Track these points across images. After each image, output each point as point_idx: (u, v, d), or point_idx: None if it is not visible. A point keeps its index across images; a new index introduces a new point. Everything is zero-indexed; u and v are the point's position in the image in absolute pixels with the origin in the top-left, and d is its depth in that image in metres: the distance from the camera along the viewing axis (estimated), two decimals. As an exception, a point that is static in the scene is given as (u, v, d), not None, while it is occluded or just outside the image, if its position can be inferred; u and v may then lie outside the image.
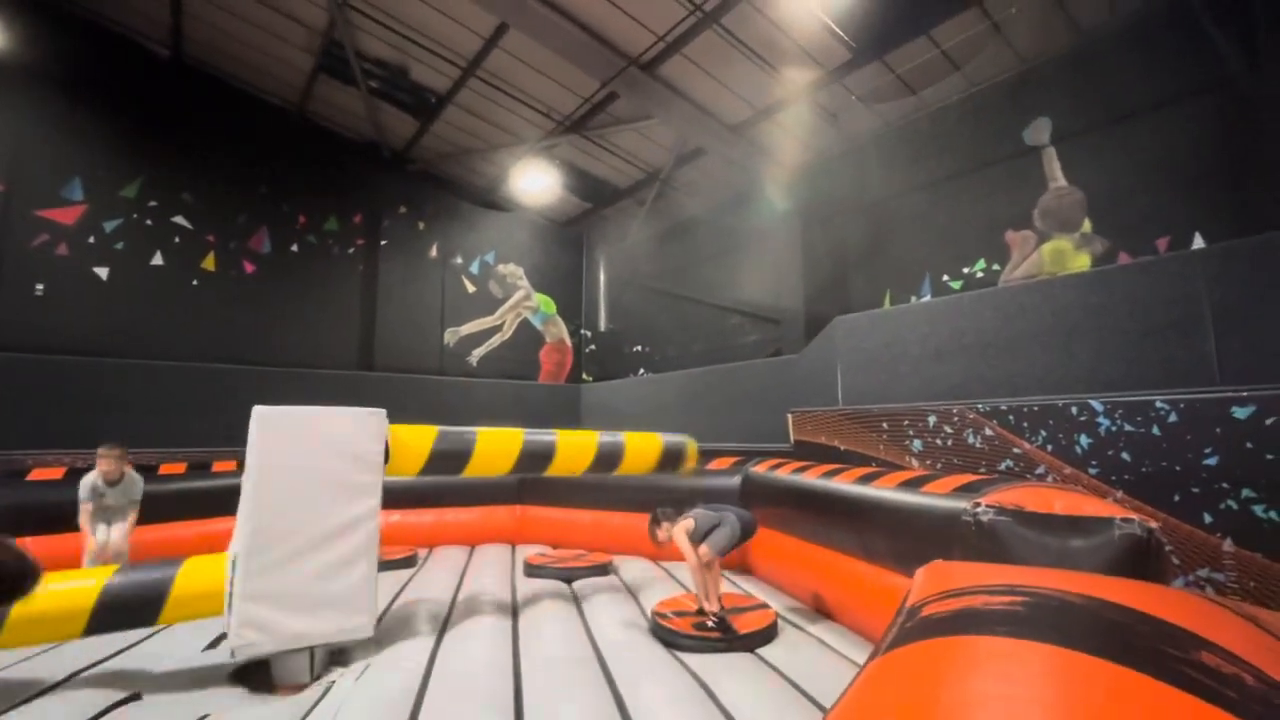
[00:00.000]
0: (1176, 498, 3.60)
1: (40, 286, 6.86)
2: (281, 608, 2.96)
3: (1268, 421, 3.38)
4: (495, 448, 3.96)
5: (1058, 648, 0.81)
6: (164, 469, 5.60)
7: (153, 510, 4.78)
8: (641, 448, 4.68)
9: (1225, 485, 3.46)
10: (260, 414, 3.07)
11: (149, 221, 7.64)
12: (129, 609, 2.89)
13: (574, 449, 4.36)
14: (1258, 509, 3.33)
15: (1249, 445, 3.42)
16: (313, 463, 3.15)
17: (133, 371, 7.01)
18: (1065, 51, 6.03)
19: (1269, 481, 3.31)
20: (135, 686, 2.86)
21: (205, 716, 2.59)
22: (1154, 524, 1.87)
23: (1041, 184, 6.18)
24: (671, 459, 4.92)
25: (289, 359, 8.33)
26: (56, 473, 5.34)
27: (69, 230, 7.10)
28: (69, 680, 2.94)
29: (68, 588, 2.84)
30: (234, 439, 5.80)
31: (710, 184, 9.43)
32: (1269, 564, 3.25)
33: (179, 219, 7.86)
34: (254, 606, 2.91)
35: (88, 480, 4.49)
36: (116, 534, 4.51)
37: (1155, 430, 3.80)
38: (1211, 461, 3.53)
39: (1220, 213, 5.04)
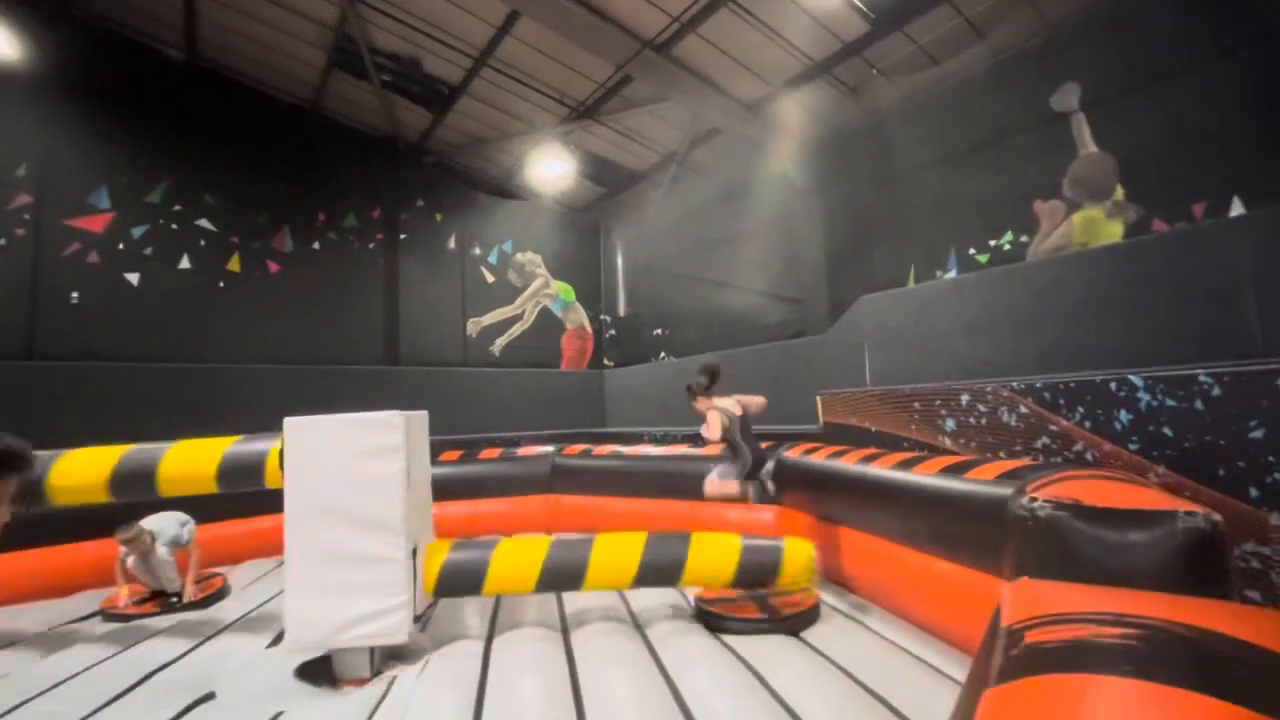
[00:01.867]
0: (1221, 472, 3.56)
1: (75, 295, 7.02)
2: (328, 605, 3.12)
3: (1317, 393, 3.32)
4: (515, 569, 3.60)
5: (1194, 694, 0.82)
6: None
7: (203, 510, 4.92)
8: (711, 557, 3.51)
9: (1272, 458, 3.41)
10: (404, 419, 3.24)
11: (174, 226, 7.75)
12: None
13: (614, 557, 3.51)
14: (1306, 482, 3.29)
15: (1297, 418, 3.36)
16: (415, 459, 3.34)
17: (169, 375, 7.17)
18: (1094, 13, 5.84)
19: (1318, 454, 3.26)
20: (208, 686, 2.98)
21: (280, 714, 2.71)
22: (1217, 516, 1.86)
23: (1071, 151, 6.03)
24: (756, 574, 3.56)
25: (318, 357, 8.46)
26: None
27: (99, 238, 7.23)
28: (143, 682, 3.08)
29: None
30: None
31: (727, 164, 9.32)
32: (1318, 537, 3.23)
33: (203, 222, 7.96)
34: (303, 602, 3.07)
35: (126, 560, 4.39)
36: (182, 588, 4.47)
37: (1198, 404, 3.74)
38: (1258, 435, 3.48)
39: (1259, 177, 4.90)
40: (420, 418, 3.59)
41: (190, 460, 3.66)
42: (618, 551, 3.45)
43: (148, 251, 7.53)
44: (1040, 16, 6.02)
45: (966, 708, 0.98)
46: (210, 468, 3.61)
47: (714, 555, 3.43)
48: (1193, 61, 5.26)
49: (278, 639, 3.62)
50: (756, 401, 4.22)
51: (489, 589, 3.38)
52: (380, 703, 2.78)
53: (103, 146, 7.32)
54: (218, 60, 8.04)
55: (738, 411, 4.05)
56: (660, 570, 3.39)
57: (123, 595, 4.39)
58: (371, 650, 3.14)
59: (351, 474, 3.15)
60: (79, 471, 3.61)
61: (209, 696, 2.89)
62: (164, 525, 4.52)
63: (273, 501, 5.65)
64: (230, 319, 7.98)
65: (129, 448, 3.72)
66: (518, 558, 3.44)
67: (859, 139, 7.80)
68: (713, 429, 3.95)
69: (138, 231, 7.48)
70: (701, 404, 4.10)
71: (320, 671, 3.12)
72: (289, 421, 3.27)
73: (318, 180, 8.83)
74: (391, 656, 3.26)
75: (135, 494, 3.68)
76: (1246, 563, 3.43)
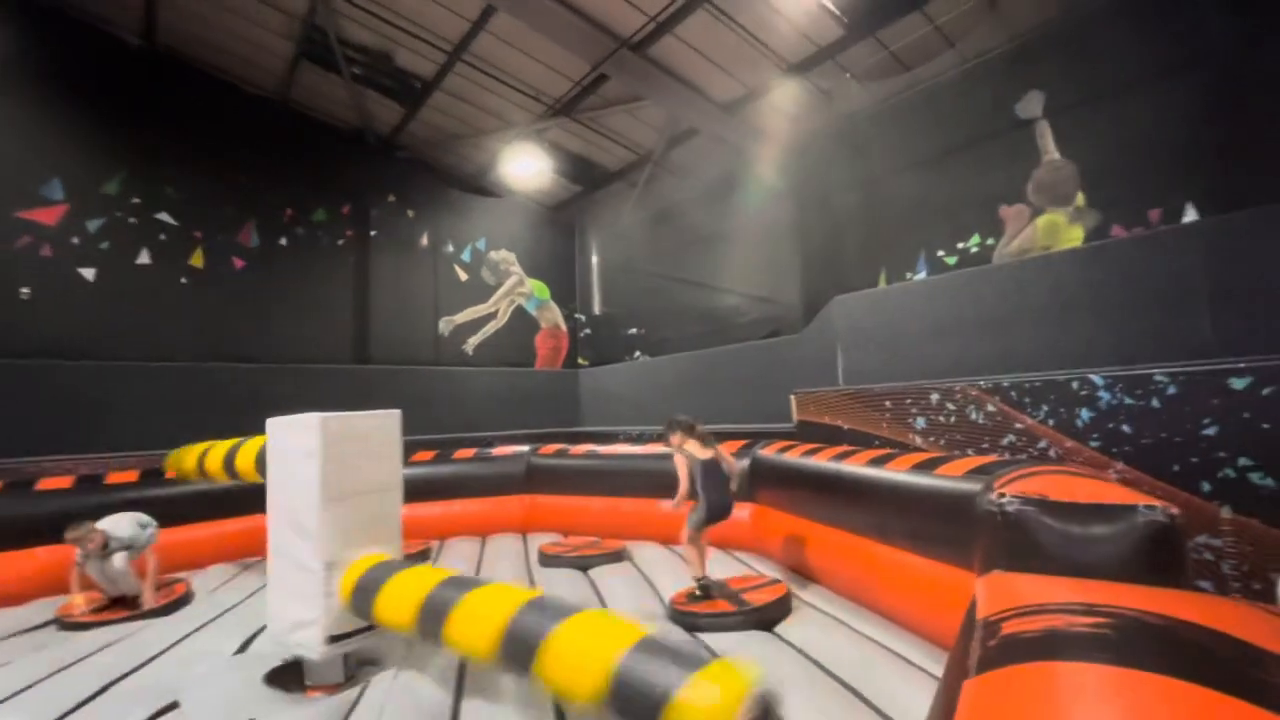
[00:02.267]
0: (1176, 468, 3.72)
1: (26, 290, 6.72)
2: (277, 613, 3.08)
3: (1264, 391, 3.48)
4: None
5: (1164, 677, 0.86)
6: (171, 473, 5.56)
7: (170, 514, 4.77)
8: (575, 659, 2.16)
9: (1223, 454, 3.57)
10: (320, 421, 3.06)
11: (133, 219, 7.48)
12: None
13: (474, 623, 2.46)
14: (1255, 476, 3.45)
15: (1246, 415, 3.52)
16: (363, 463, 3.20)
17: (127, 374, 6.92)
18: (1058, 25, 6.02)
19: (1265, 450, 3.42)
20: (172, 695, 2.89)
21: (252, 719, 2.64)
22: (1175, 510, 1.94)
23: (1035, 158, 6.22)
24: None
25: (285, 355, 8.26)
26: (64, 482, 5.29)
27: (52, 231, 6.93)
28: (102, 692, 2.97)
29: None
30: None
31: (703, 165, 9.37)
32: (1265, 529, 3.39)
33: (163, 215, 7.70)
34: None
35: (81, 559, 4.19)
36: (142, 593, 4.27)
37: (1155, 403, 3.90)
38: (1210, 432, 3.64)
39: (1211, 185, 5.12)
40: (388, 418, 3.46)
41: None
42: (481, 616, 2.32)
43: (104, 246, 7.25)
44: (1007, 26, 6.19)
45: (948, 698, 1.01)
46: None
47: (578, 657, 1.97)
48: (1151, 73, 5.47)
49: (245, 645, 3.53)
50: (728, 460, 4.05)
51: (379, 619, 2.80)
52: (353, 709, 2.73)
53: (55, 135, 7.03)
54: (179, 48, 7.79)
55: (703, 455, 3.90)
56: (516, 654, 2.15)
57: (78, 603, 4.21)
58: (344, 655, 3.07)
59: (290, 477, 3.10)
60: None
61: (172, 706, 2.79)
62: (121, 526, 4.30)
63: (240, 504, 5.52)
64: (193, 316, 7.74)
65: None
66: (399, 593, 2.72)
67: (832, 142, 7.92)
68: (681, 471, 3.88)
69: (93, 225, 7.20)
70: (675, 441, 3.99)
71: (291, 678, 3.04)
72: (271, 421, 3.20)
73: (285, 174, 8.61)
74: (365, 661, 3.20)
75: None
76: (1199, 555, 3.58)
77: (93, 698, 2.88)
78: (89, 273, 7.13)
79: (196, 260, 7.88)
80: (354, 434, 3.17)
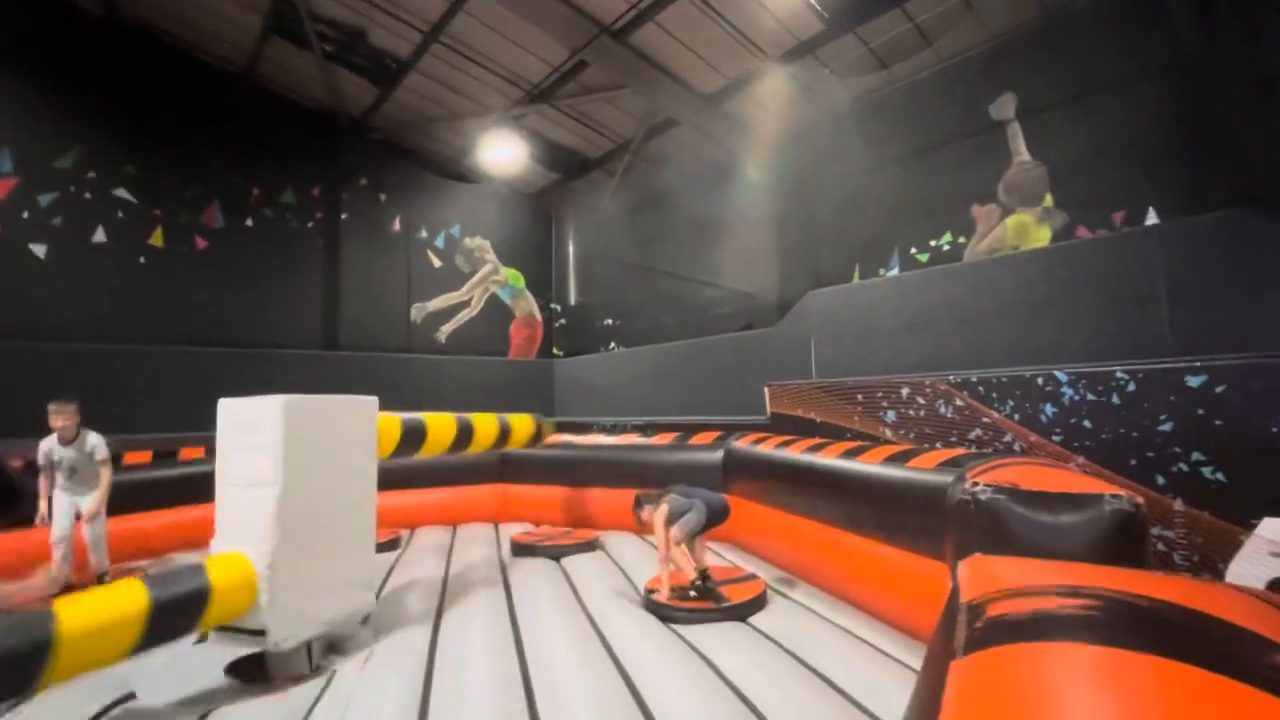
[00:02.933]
0: (1133, 462, 3.85)
1: (-30, 266, 6.40)
2: (311, 593, 3.02)
3: (1218, 389, 3.62)
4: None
5: (1151, 656, 0.88)
6: (128, 458, 5.37)
7: (117, 502, 4.59)
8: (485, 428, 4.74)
9: (1178, 449, 3.71)
10: (287, 404, 2.99)
11: (88, 195, 7.17)
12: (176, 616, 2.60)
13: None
14: (1206, 470, 3.60)
15: (1200, 412, 3.66)
16: (329, 451, 3.17)
17: (80, 356, 6.64)
18: (1033, 27, 6.14)
19: (1217, 445, 3.56)
20: (128, 685, 2.79)
21: (210, 711, 2.56)
22: (1139, 499, 2.01)
23: (1007, 159, 6.35)
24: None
25: (249, 339, 8.02)
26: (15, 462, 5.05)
27: (0, 205, 6.59)
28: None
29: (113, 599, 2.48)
30: (199, 424, 5.60)
31: (682, 156, 9.34)
32: (1215, 521, 3.53)
33: (121, 192, 7.39)
34: (291, 597, 2.92)
35: (43, 445, 4.26)
36: (88, 504, 4.30)
37: (1115, 399, 4.03)
38: (1166, 427, 3.78)
39: (1173, 189, 5.29)
40: (364, 403, 3.43)
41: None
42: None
43: (56, 222, 6.93)
44: (984, 27, 6.28)
45: (934, 680, 1.02)
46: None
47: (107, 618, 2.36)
48: (1118, 79, 5.61)
49: (204, 635, 3.42)
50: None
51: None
52: (318, 699, 2.67)
53: (6, 105, 6.67)
54: (140, 17, 7.45)
55: (666, 509, 3.83)
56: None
57: (37, 580, 4.06)
58: (308, 645, 3.01)
59: (327, 456, 3.19)
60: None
61: (129, 697, 2.70)
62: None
63: (199, 491, 5.35)
64: (152, 297, 7.46)
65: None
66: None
67: (810, 137, 7.96)
68: (659, 531, 3.77)
69: (45, 199, 6.88)
70: (646, 514, 3.93)
71: (253, 669, 2.97)
72: (283, 399, 3.07)
73: (252, 153, 8.33)
74: (331, 650, 3.14)
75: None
76: (1154, 545, 3.72)
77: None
78: (40, 249, 6.81)
79: (157, 239, 7.59)
80: (321, 418, 3.12)
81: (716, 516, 3.91)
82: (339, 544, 3.20)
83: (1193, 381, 3.73)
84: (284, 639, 2.86)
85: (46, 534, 4.24)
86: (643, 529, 5.34)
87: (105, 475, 4.38)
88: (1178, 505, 3.66)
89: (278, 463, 2.93)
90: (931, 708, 0.92)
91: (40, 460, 4.23)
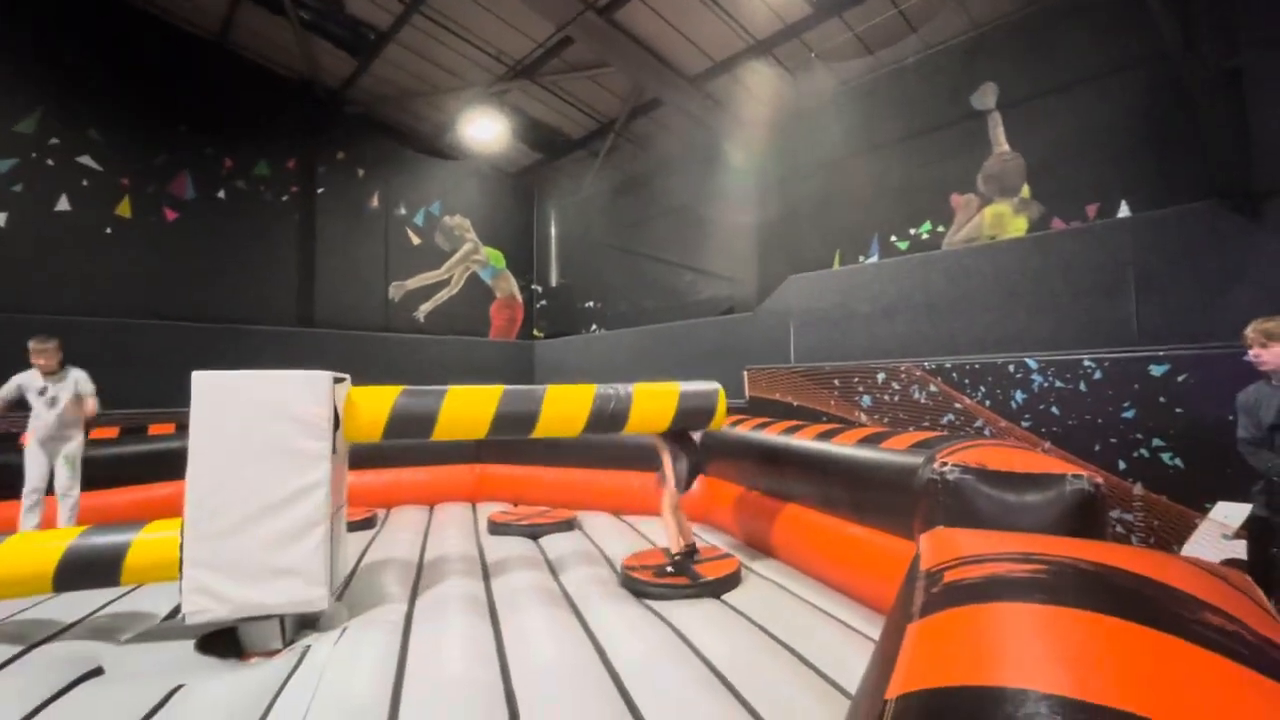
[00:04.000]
0: (1097, 447, 3.98)
1: (-74, 233, 6.15)
2: (231, 576, 2.92)
3: (1180, 378, 3.74)
4: (466, 410, 3.67)
5: (1096, 614, 0.92)
6: (95, 434, 5.24)
7: (86, 478, 4.51)
8: (653, 406, 3.74)
9: (1139, 436, 3.84)
10: (198, 379, 2.95)
11: (50, 161, 6.91)
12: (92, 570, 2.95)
13: (565, 407, 3.64)
14: (1166, 456, 3.73)
15: (1162, 400, 3.79)
16: (253, 429, 3.01)
17: (42, 327, 6.41)
18: (1015, 18, 6.18)
19: (1177, 432, 3.69)
20: (96, 660, 2.76)
21: (179, 687, 2.54)
22: (1099, 479, 2.07)
23: (987, 149, 6.41)
24: (693, 417, 3.89)
25: (221, 314, 7.85)
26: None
27: (-45, 170, 6.34)
28: (22, 655, 2.81)
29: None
30: (169, 400, 5.49)
31: (666, 137, 9.29)
32: (1172, 505, 3.67)
33: (86, 159, 7.14)
34: (202, 573, 2.88)
35: (17, 378, 4.24)
36: (70, 447, 4.34)
37: (1082, 386, 4.14)
38: (1129, 415, 3.90)
39: (1146, 183, 5.40)
40: (313, 379, 3.26)
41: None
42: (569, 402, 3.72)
43: (17, 189, 6.68)
44: (968, 15, 6.30)
45: (892, 641, 1.06)
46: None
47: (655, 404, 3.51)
48: (1095, 72, 5.69)
49: (175, 611, 3.39)
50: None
51: (440, 433, 3.61)
52: (292, 674, 2.66)
53: (-41, 63, 6.39)
54: (104, -24, 7.15)
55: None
56: (607, 419, 3.65)
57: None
58: (281, 619, 2.99)
59: (250, 435, 3.10)
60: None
61: (96, 671, 2.67)
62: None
63: (168, 468, 5.26)
64: (118, 269, 7.25)
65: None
66: (468, 410, 3.55)
67: (794, 121, 7.96)
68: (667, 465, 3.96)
69: (4, 165, 6.62)
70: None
71: (226, 644, 2.94)
72: (196, 375, 3.04)
73: (224, 122, 8.09)
74: (305, 626, 3.13)
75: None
76: (1113, 527, 3.85)
77: (11, 661, 2.73)
78: (0, 217, 6.56)
79: (123, 210, 7.36)
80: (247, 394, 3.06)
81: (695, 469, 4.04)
82: (268, 530, 3.00)
83: (1156, 371, 3.85)
84: (193, 613, 2.86)
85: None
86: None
87: (91, 405, 4.42)
88: (1137, 489, 3.80)
89: (192, 439, 2.93)
90: (888, 667, 0.95)
91: (9, 391, 4.21)
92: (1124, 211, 5.57)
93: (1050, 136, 6.00)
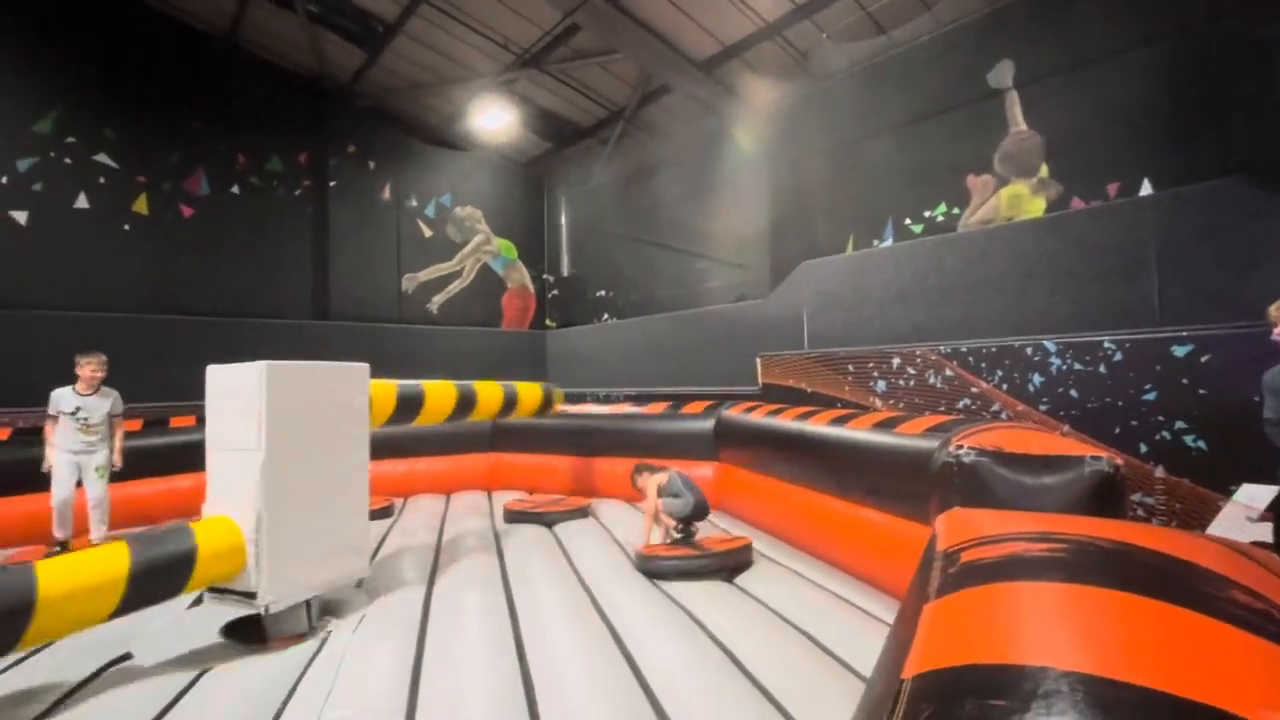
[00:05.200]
0: (1117, 430, 3.92)
1: (-50, 232, 6.27)
2: (305, 558, 3.06)
3: (1203, 359, 3.67)
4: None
5: (1115, 591, 0.91)
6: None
7: (121, 471, 4.62)
8: (490, 395, 4.73)
9: (1161, 418, 3.77)
10: (270, 370, 2.98)
11: (68, 160, 7.00)
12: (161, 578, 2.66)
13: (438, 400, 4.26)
14: (1188, 439, 3.66)
15: (1184, 381, 3.72)
16: (317, 417, 3.18)
17: (65, 325, 6.56)
18: (1032, -8, 6.02)
19: (1200, 414, 3.62)
20: (124, 647, 2.83)
21: (205, 671, 2.60)
22: (1119, 460, 2.04)
23: (1003, 128, 6.28)
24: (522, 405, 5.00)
25: (237, 308, 7.95)
26: (1, 434, 5.04)
27: (-23, 170, 6.45)
28: (50, 644, 2.88)
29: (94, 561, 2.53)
30: (187, 393, 5.57)
31: (676, 124, 9.21)
32: (1194, 488, 3.61)
33: (102, 157, 7.23)
34: (281, 560, 2.96)
35: (59, 392, 4.32)
36: (101, 457, 4.41)
37: (1102, 369, 4.07)
38: (1150, 397, 3.83)
39: (1169, 160, 5.26)
40: (355, 370, 3.44)
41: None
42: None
43: (37, 187, 6.79)
44: (983, -9, 6.15)
45: (908, 622, 1.05)
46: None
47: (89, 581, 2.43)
48: (1116, 47, 5.53)
49: (200, 598, 3.46)
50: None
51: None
52: (314, 658, 2.72)
53: (-22, 65, 6.48)
54: (116, -26, 7.19)
55: (664, 479, 4.22)
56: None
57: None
58: (307, 604, 3.05)
59: (315, 423, 3.20)
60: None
61: (125, 657, 2.74)
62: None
63: (190, 460, 5.36)
64: (136, 265, 7.35)
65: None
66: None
67: (806, 105, 7.85)
68: (650, 494, 4.16)
69: (24, 164, 6.72)
70: (643, 480, 4.33)
71: (250, 629, 3.01)
72: (266, 366, 3.05)
73: (236, 119, 8.14)
74: (327, 612, 3.19)
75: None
76: (1134, 511, 3.80)
77: (41, 649, 2.81)
78: (20, 215, 6.68)
79: (140, 206, 7.45)
80: (308, 384, 3.14)
81: (697, 514, 4.13)
82: (329, 509, 3.21)
83: (1178, 351, 3.77)
84: (273, 601, 2.90)
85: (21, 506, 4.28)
86: (635, 496, 5.43)
87: (119, 428, 4.56)
88: (1159, 472, 3.74)
89: (262, 428, 2.93)
90: (904, 648, 0.95)
91: (50, 409, 4.30)
92: (1146, 189, 5.44)
93: (1069, 114, 5.85)
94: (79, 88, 7.04)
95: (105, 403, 4.45)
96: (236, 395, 3.03)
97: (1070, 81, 5.83)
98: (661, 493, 4.14)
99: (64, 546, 4.24)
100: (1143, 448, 3.82)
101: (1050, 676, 0.75)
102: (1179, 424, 3.71)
